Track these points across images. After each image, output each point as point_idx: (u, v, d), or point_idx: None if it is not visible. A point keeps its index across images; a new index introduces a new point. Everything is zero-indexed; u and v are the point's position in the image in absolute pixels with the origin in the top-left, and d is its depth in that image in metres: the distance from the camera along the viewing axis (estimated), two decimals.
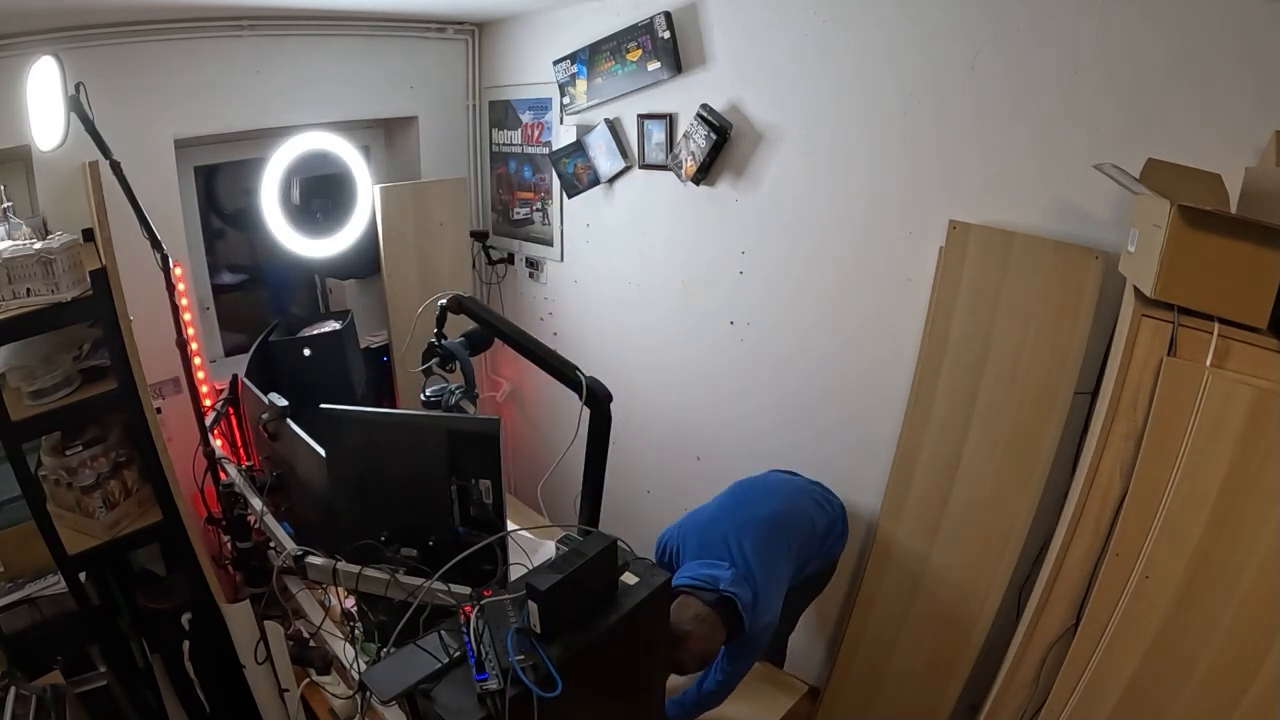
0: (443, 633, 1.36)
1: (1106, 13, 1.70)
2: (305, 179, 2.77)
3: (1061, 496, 1.76)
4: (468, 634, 1.30)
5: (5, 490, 1.98)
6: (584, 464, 2.12)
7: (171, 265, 1.86)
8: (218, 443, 2.38)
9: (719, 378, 2.73)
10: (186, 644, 2.18)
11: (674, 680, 1.90)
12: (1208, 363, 1.34)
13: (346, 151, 2.87)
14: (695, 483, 2.92)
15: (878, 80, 2.09)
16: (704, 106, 2.42)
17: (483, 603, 1.36)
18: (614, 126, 2.75)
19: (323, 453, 1.80)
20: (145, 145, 2.40)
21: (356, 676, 1.57)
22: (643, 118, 2.65)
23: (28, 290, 1.79)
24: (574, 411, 1.85)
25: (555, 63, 2.82)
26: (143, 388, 1.98)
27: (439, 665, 1.29)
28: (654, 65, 2.53)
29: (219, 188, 3.00)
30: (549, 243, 3.21)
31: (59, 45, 2.12)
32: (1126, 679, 1.47)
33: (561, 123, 2.94)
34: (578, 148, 2.87)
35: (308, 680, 1.98)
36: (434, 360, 1.98)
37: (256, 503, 2.06)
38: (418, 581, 1.53)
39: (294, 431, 1.96)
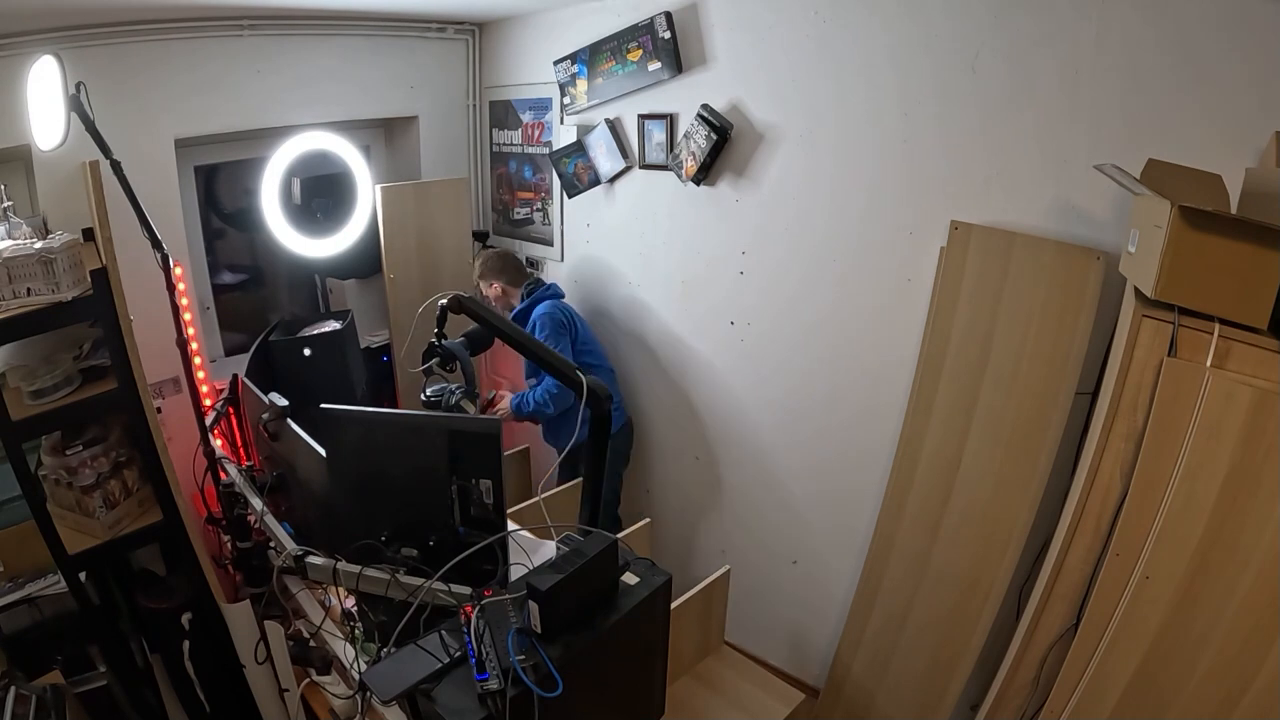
0: (443, 633, 1.36)
1: (1107, 13, 1.70)
2: (305, 179, 2.76)
3: (1062, 496, 1.76)
4: (468, 634, 1.30)
5: (5, 490, 1.98)
6: (584, 463, 2.11)
7: (172, 265, 1.86)
8: (218, 443, 2.37)
9: (719, 378, 2.73)
10: (186, 644, 2.18)
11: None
12: (1208, 363, 1.34)
13: (347, 151, 2.86)
14: (695, 483, 2.93)
15: (879, 80, 2.09)
16: (704, 106, 2.42)
17: (483, 603, 1.36)
18: (614, 126, 2.75)
19: (323, 453, 1.79)
20: (145, 145, 2.41)
21: (357, 676, 1.56)
22: (643, 118, 2.65)
23: (28, 290, 1.79)
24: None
25: (556, 63, 2.82)
26: (143, 388, 1.98)
27: (439, 665, 1.29)
28: (654, 65, 2.53)
29: (219, 187, 3.00)
30: (549, 243, 3.21)
31: (59, 45, 2.12)
32: (1126, 679, 1.47)
33: (562, 123, 2.94)
34: (578, 148, 2.87)
35: (308, 680, 1.97)
36: (434, 360, 1.98)
37: (256, 503, 2.05)
38: (418, 581, 1.53)
39: (294, 431, 1.96)
